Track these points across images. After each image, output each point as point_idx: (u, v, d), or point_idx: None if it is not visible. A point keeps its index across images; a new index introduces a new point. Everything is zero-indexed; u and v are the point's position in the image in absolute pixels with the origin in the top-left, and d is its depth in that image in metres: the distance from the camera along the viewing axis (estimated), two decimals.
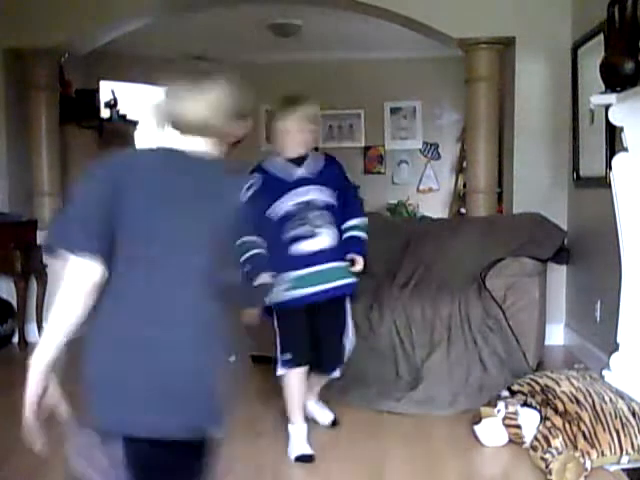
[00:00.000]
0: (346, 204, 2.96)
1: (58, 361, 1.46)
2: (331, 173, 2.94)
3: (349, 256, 2.91)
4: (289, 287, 2.85)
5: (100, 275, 1.47)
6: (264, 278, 2.84)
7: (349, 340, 3.00)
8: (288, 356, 2.89)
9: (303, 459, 2.86)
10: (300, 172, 2.88)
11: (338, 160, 3.04)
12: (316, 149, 3.13)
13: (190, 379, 1.48)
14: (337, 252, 2.89)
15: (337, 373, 3.02)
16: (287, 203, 2.83)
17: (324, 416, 3.23)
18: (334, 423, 3.21)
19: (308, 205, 2.84)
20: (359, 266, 2.92)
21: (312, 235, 2.83)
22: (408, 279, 4.21)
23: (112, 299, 1.49)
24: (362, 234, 2.97)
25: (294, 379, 2.91)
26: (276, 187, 2.85)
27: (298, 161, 2.89)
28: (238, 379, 1.64)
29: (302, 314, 2.88)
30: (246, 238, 2.95)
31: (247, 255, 2.91)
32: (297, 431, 2.95)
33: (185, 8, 5.38)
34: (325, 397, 3.46)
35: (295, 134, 2.85)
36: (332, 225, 2.88)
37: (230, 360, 4.60)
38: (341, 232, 2.94)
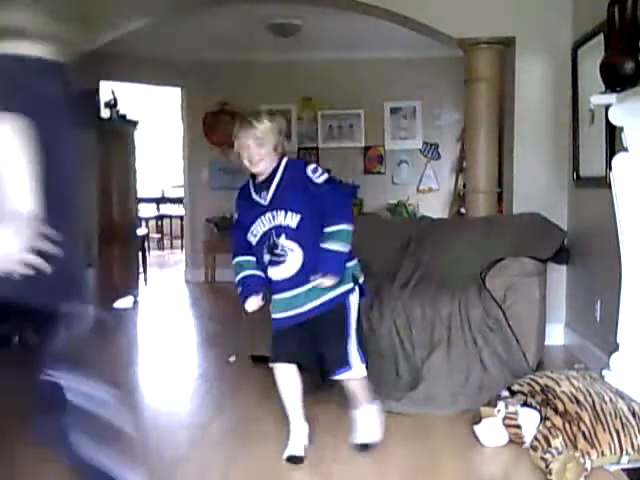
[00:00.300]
0: (324, 206, 2.80)
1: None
2: (292, 183, 2.82)
3: (312, 278, 2.79)
4: (278, 310, 2.90)
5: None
6: (252, 302, 2.90)
7: (353, 342, 2.90)
8: (271, 351, 2.96)
9: (292, 460, 2.85)
10: (269, 195, 2.83)
11: (300, 162, 2.93)
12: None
13: None
14: (310, 273, 2.80)
15: (344, 375, 2.92)
16: (260, 228, 2.84)
17: (363, 432, 3.02)
18: (363, 446, 3.01)
19: (276, 230, 2.81)
20: (325, 284, 2.79)
21: (279, 262, 2.82)
22: (408, 279, 4.21)
23: None
24: (335, 246, 2.77)
25: (279, 375, 2.94)
26: (252, 210, 2.87)
27: (268, 182, 2.84)
28: None
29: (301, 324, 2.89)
30: (241, 258, 2.99)
31: (239, 276, 2.97)
32: (292, 430, 2.95)
33: (185, 8, 5.38)
34: (325, 397, 3.46)
35: (248, 152, 2.80)
36: (304, 244, 2.79)
37: (230, 360, 4.63)
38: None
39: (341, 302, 2.88)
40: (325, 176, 2.84)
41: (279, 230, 2.80)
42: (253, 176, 2.90)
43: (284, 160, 2.87)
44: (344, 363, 2.88)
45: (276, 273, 2.85)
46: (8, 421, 3.24)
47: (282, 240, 2.80)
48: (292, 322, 2.88)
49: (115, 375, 4.26)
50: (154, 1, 5.00)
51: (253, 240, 2.87)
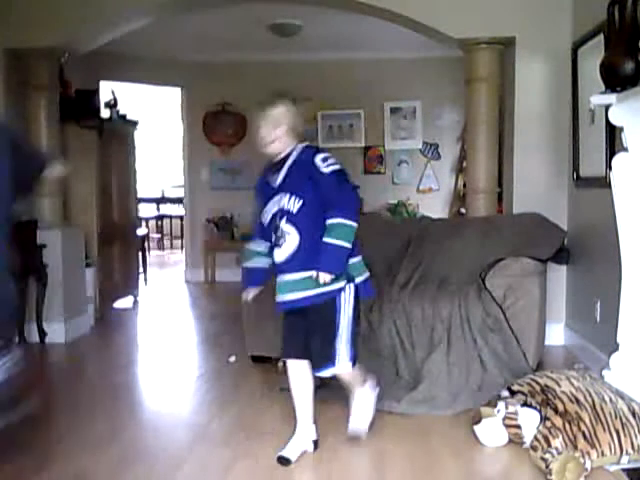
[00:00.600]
0: (326, 197, 2.79)
1: None
2: (300, 169, 2.83)
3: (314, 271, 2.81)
4: (279, 291, 2.93)
5: None
6: (246, 293, 2.97)
7: (342, 340, 2.89)
8: (281, 346, 2.99)
9: (280, 460, 2.84)
10: (280, 178, 2.86)
11: (315, 150, 2.88)
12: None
13: None
14: (304, 260, 2.81)
15: (327, 372, 2.93)
16: (271, 209, 2.87)
17: (355, 417, 3.10)
18: (352, 438, 3.06)
19: (280, 213, 2.84)
20: (321, 280, 2.78)
21: (279, 245, 2.85)
22: (408, 279, 4.22)
23: None
24: (334, 240, 2.75)
25: (290, 371, 2.97)
26: (266, 191, 2.92)
27: (280, 164, 2.87)
28: None
29: (296, 313, 2.91)
30: (251, 246, 3.03)
31: (243, 264, 3.01)
32: (296, 432, 2.95)
33: (185, 8, 5.38)
34: (325, 396, 3.46)
35: (262, 133, 2.85)
36: (301, 230, 2.81)
37: (230, 360, 4.66)
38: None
39: (331, 299, 2.86)
40: (334, 167, 2.81)
41: (282, 213, 2.83)
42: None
43: (300, 145, 2.89)
44: (328, 360, 2.89)
45: (277, 255, 2.88)
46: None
47: (282, 223, 2.83)
48: (289, 307, 2.90)
49: (115, 375, 4.26)
50: (154, 1, 5.00)
51: (265, 221, 2.91)
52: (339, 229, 2.77)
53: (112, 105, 6.41)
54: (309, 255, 2.80)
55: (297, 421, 2.97)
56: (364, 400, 3.11)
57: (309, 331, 2.89)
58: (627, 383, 3.06)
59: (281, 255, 2.86)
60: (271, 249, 2.92)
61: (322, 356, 2.88)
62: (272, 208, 2.87)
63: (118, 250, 6.43)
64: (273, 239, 2.88)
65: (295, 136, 2.87)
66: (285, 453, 2.86)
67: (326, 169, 2.79)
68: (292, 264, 2.84)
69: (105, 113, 6.38)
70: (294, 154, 2.86)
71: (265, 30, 6.51)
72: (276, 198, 2.86)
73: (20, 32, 4.82)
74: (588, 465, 2.61)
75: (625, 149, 3.12)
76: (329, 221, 2.78)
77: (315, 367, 2.92)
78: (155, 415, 3.64)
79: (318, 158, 2.81)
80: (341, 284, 2.86)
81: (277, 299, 2.93)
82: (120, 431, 3.25)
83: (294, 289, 2.86)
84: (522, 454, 2.87)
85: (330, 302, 2.87)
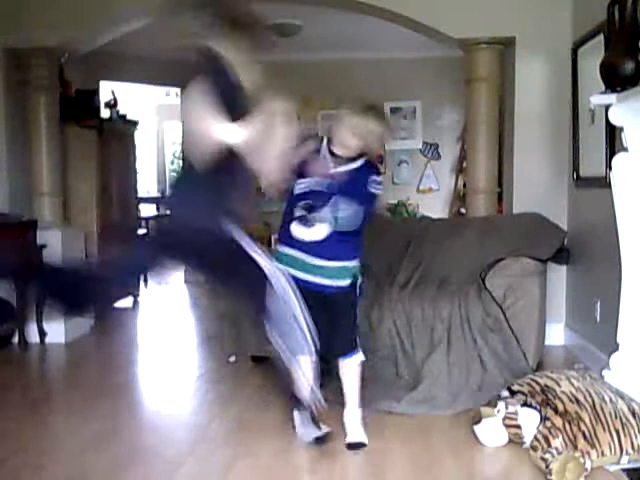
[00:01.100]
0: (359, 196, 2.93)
1: None
2: (359, 177, 2.94)
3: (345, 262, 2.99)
4: (284, 262, 2.95)
5: None
6: None
7: (357, 331, 3.03)
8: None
9: (318, 441, 2.98)
10: (338, 167, 2.94)
11: (374, 170, 3.03)
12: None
13: None
14: (335, 250, 2.90)
15: (355, 358, 3.01)
16: (312, 184, 2.91)
17: (351, 433, 3.06)
18: (351, 445, 3.03)
19: (320, 194, 2.89)
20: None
21: (308, 224, 2.90)
22: (408, 279, 4.22)
23: None
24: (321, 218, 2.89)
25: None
26: (319, 162, 2.97)
27: (343, 161, 2.95)
28: None
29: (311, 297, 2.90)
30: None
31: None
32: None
33: (186, 8, 5.38)
34: (324, 396, 3.46)
35: (338, 133, 2.96)
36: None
37: (230, 360, 4.69)
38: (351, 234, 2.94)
39: (348, 292, 2.97)
40: (378, 191, 2.97)
41: (324, 199, 2.87)
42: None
43: (365, 157, 2.99)
44: (354, 346, 3.01)
45: (303, 233, 2.91)
46: (9, 419, 3.25)
47: (322, 206, 2.88)
48: (314, 289, 2.92)
49: (115, 375, 4.26)
50: (154, 1, 4.99)
51: (298, 188, 2.94)
52: (348, 216, 2.87)
53: (112, 105, 6.41)
54: (339, 246, 2.90)
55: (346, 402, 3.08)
56: (356, 417, 3.09)
57: (333, 319, 2.96)
58: (627, 383, 3.06)
59: (308, 236, 2.90)
60: (291, 220, 2.96)
61: (350, 341, 3.00)
62: (316, 185, 2.90)
63: (118, 250, 6.43)
64: (299, 213, 2.92)
65: (365, 151, 2.97)
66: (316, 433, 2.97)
67: (373, 189, 2.96)
68: (319, 250, 2.90)
69: (105, 113, 6.38)
70: (357, 163, 2.96)
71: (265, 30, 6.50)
72: (325, 180, 2.90)
73: (20, 32, 4.81)
74: (588, 465, 2.62)
75: (625, 149, 3.12)
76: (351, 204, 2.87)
77: (345, 353, 3.01)
78: (155, 415, 3.64)
79: (375, 178, 2.96)
80: (347, 281, 2.97)
81: (299, 276, 2.91)
82: (120, 431, 3.25)
83: (324, 274, 2.92)
84: (522, 454, 2.87)
85: (352, 291, 2.98)
